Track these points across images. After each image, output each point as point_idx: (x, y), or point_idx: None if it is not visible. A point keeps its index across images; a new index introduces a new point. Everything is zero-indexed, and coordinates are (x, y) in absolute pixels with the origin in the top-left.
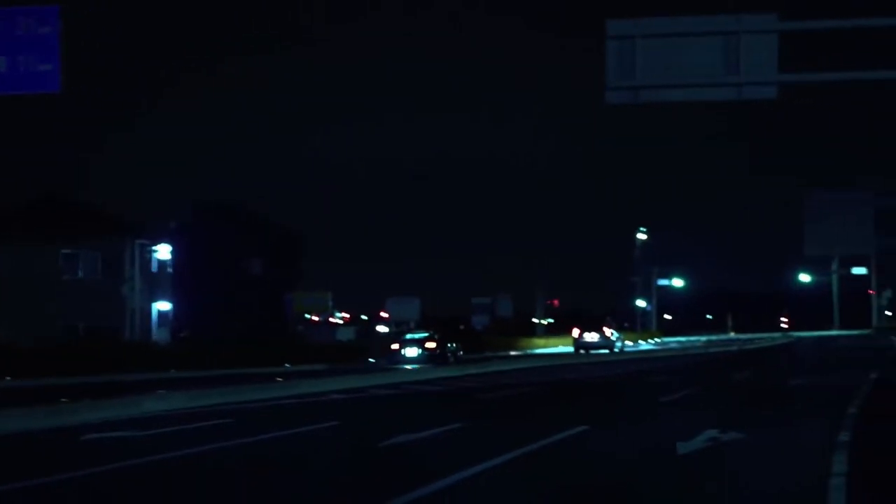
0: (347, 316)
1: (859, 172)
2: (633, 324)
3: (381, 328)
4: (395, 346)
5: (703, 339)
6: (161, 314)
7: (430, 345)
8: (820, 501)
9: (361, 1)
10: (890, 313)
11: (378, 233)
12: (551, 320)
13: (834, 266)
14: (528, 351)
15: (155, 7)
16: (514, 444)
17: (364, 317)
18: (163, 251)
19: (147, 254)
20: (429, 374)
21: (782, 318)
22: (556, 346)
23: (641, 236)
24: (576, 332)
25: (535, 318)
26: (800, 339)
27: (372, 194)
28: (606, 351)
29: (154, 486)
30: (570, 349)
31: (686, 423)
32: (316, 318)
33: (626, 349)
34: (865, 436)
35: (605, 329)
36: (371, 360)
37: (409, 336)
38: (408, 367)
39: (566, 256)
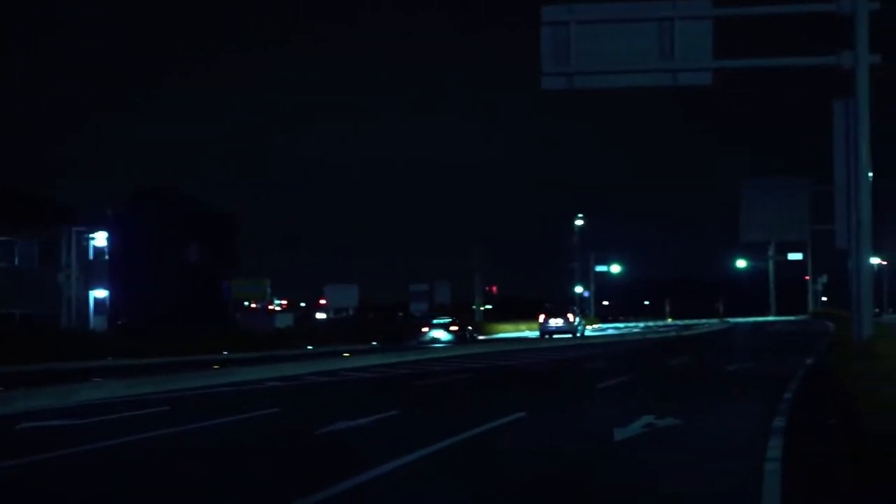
0: (285, 303)
1: (801, 162)
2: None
3: (321, 315)
4: (424, 329)
5: (641, 325)
6: (98, 302)
7: (454, 328)
8: (755, 487)
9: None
10: (826, 298)
11: (319, 224)
12: (490, 306)
13: (770, 252)
14: (494, 336)
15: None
16: (450, 432)
17: (303, 304)
18: (100, 238)
19: (84, 241)
20: (368, 360)
21: (719, 304)
22: (504, 331)
23: (579, 222)
24: (541, 318)
25: (473, 304)
26: (737, 324)
27: (320, 189)
28: (570, 335)
29: (91, 475)
30: (523, 334)
31: (623, 409)
32: (255, 306)
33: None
34: (800, 422)
35: (568, 315)
36: (309, 346)
37: (436, 321)
38: (436, 346)
39: (507, 244)
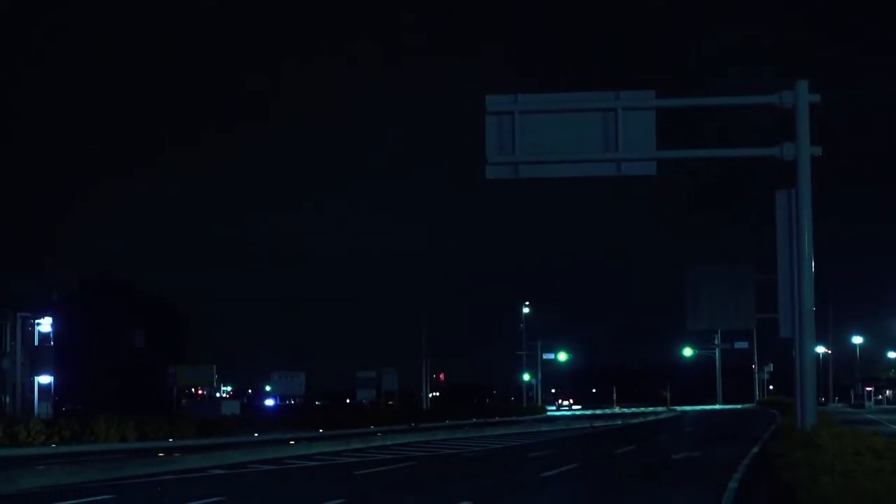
0: (231, 390)
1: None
2: (518, 398)
3: (268, 402)
4: None
5: (588, 412)
6: (42, 387)
7: None
8: None
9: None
10: (772, 387)
11: (266, 310)
12: (437, 394)
13: (716, 340)
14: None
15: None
16: None
17: (249, 391)
18: (45, 324)
19: (29, 327)
20: (313, 448)
21: (666, 393)
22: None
23: (525, 310)
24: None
25: (421, 392)
26: (684, 412)
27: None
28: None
29: None
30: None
31: (569, 498)
32: (201, 392)
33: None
34: None
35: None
36: (255, 434)
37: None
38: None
39: (454, 331)
